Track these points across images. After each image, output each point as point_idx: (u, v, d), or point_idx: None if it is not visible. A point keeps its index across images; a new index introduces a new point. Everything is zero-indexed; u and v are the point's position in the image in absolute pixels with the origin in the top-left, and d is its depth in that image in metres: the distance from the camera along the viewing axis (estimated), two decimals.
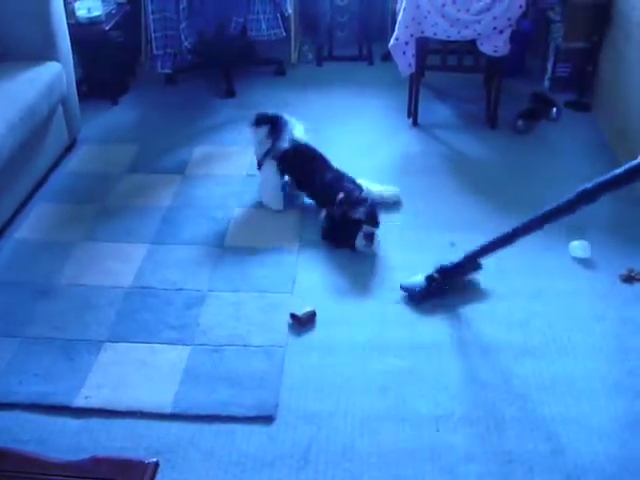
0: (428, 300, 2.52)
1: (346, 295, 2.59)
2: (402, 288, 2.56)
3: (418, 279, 2.56)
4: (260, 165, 3.15)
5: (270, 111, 3.16)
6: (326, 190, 2.93)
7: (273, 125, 3.08)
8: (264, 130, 3.09)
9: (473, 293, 2.58)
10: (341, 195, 2.82)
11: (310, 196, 3.10)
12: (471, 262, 2.54)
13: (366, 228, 2.75)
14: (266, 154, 3.08)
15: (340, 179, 2.96)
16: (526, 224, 2.30)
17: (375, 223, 2.79)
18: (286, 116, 3.13)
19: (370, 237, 2.76)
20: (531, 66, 4.33)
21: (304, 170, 3.07)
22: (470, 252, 2.51)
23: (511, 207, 3.07)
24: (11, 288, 2.65)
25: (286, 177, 3.14)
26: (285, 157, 3.04)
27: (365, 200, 2.81)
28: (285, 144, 3.03)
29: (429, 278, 2.54)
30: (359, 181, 2.99)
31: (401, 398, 2.17)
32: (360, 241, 2.76)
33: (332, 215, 2.84)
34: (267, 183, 3.12)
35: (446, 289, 2.55)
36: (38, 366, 2.29)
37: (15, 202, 3.03)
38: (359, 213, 2.76)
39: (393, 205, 3.10)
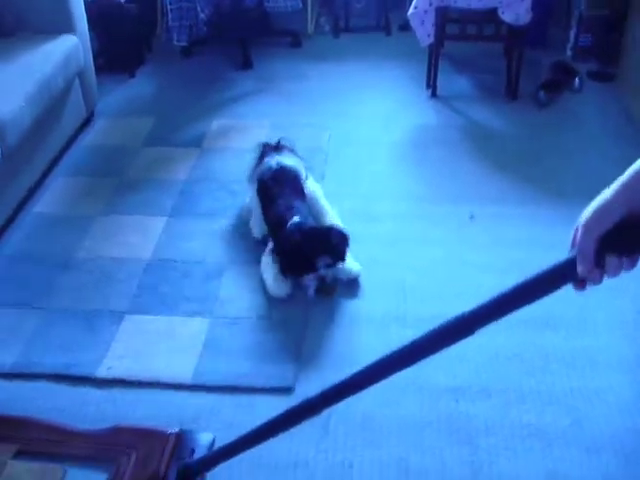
0: None
1: (368, 265, 2.58)
2: None
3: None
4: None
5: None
6: (275, 219, 2.54)
7: (264, 149, 2.83)
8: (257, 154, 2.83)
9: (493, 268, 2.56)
10: (290, 223, 2.44)
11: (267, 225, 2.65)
12: (216, 459, 1.75)
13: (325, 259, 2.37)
14: (250, 178, 2.80)
15: (290, 208, 2.52)
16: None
17: (339, 257, 2.40)
18: (282, 142, 2.85)
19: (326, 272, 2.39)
20: (553, 35, 4.26)
21: (269, 195, 2.64)
22: (216, 450, 1.78)
23: (531, 180, 3.05)
24: (32, 261, 2.67)
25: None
26: (261, 181, 2.69)
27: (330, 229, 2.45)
28: (265, 167, 2.69)
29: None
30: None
31: (420, 370, 2.17)
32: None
33: (281, 249, 2.45)
34: (251, 207, 2.78)
35: None
36: (60, 337, 2.31)
37: (34, 176, 3.04)
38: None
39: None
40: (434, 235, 2.72)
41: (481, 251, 2.65)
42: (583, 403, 2.04)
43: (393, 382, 2.12)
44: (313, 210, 2.68)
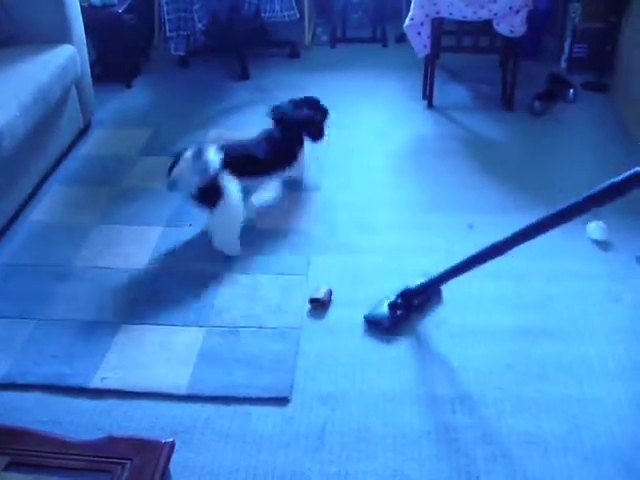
0: (398, 325, 2.35)
1: (362, 277, 2.58)
2: (367, 320, 2.38)
3: (382, 308, 2.38)
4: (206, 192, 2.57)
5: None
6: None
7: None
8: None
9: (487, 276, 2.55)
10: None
11: (260, 172, 2.81)
12: (434, 285, 2.38)
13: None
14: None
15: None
16: (495, 245, 2.14)
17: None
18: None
19: None
20: (548, 47, 4.28)
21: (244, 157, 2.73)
22: (434, 276, 2.34)
23: (527, 189, 3.06)
24: (27, 270, 2.66)
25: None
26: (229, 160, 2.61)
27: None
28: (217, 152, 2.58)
29: (392, 305, 2.37)
30: None
31: (416, 380, 2.17)
32: None
33: None
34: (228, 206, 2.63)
35: (411, 311, 2.39)
36: (55, 347, 2.30)
37: (30, 185, 3.04)
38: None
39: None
40: (433, 244, 2.72)
41: None
42: (581, 411, 2.04)
43: (389, 393, 2.13)
44: None
